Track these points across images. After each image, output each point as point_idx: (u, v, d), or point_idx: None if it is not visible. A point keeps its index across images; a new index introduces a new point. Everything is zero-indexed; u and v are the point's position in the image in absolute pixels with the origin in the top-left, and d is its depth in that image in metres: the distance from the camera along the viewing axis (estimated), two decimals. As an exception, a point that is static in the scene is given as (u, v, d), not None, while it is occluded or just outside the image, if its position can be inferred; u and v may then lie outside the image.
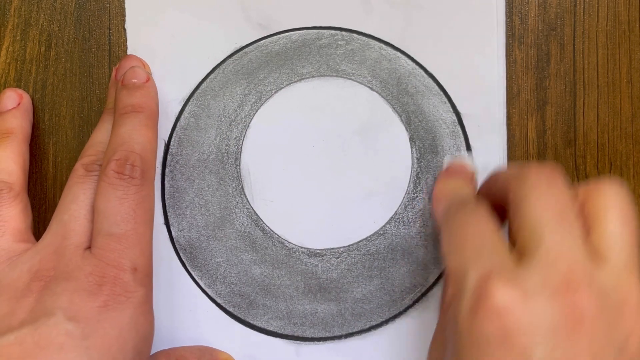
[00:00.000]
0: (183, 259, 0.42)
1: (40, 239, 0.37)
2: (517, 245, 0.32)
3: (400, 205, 0.41)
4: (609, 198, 0.32)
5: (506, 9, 0.42)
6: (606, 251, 0.31)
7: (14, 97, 0.42)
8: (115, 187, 0.36)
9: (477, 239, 0.33)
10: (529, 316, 0.29)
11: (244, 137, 0.42)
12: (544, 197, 0.32)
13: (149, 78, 0.40)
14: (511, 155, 0.42)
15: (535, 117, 0.42)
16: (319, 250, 0.41)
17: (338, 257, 0.41)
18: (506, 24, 0.42)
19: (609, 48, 0.42)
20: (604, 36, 0.42)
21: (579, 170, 0.42)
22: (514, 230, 0.32)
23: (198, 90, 0.42)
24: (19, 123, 0.41)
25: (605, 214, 0.32)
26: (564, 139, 0.42)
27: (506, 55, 0.42)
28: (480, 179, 0.39)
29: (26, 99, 0.42)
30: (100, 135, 0.39)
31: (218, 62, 0.42)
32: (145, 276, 0.36)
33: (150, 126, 0.38)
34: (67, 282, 0.34)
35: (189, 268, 0.42)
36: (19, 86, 0.43)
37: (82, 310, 0.34)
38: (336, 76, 0.42)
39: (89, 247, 0.36)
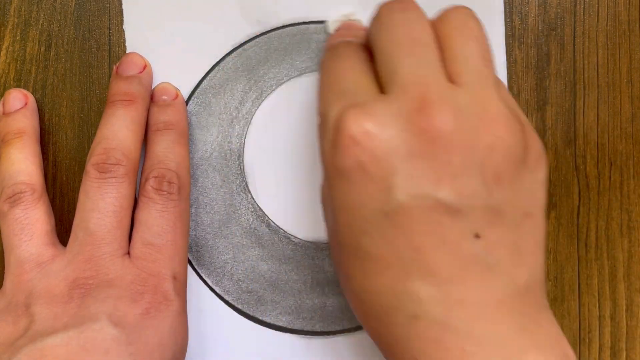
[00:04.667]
0: (190, 258, 0.43)
1: (68, 247, 0.39)
2: (380, 81, 0.34)
3: None
4: (456, 22, 0.34)
5: (506, 9, 0.43)
6: (460, 72, 0.33)
7: (20, 98, 0.43)
8: (155, 202, 0.39)
9: (342, 80, 0.35)
10: (385, 143, 0.31)
11: (246, 133, 0.44)
12: (394, 28, 0.34)
13: (177, 94, 0.43)
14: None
15: (535, 117, 0.43)
16: (326, 243, 0.43)
17: None
18: (506, 24, 0.43)
19: (609, 48, 0.43)
20: (604, 36, 0.43)
21: (579, 170, 0.43)
22: (376, 69, 0.35)
23: (198, 89, 0.44)
24: (29, 123, 0.43)
25: (454, 37, 0.34)
26: (564, 139, 0.43)
27: (506, 55, 0.43)
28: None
29: (31, 98, 0.44)
30: (107, 130, 0.40)
31: (217, 59, 0.44)
32: (182, 286, 0.39)
33: (183, 143, 0.42)
34: (110, 289, 0.37)
35: (195, 267, 0.43)
36: (18, 86, 0.44)
37: (126, 316, 0.36)
38: None
39: (123, 255, 0.39)
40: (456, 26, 0.34)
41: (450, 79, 0.33)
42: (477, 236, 0.31)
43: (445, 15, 0.35)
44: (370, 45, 0.36)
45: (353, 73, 0.35)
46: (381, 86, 0.34)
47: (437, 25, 0.35)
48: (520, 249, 0.32)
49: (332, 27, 0.43)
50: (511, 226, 0.32)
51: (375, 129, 0.31)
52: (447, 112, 0.31)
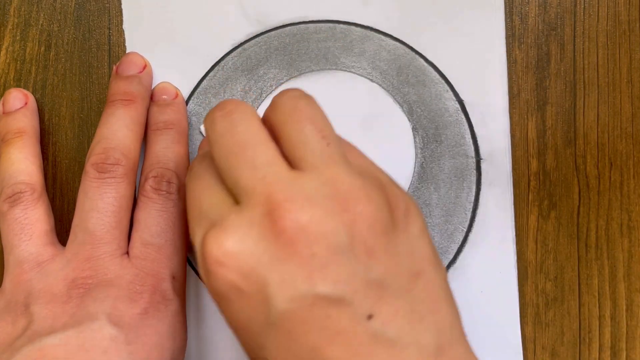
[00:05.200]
0: (189, 258, 0.43)
1: (67, 247, 0.39)
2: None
3: None
4: (285, 107, 0.33)
5: (506, 9, 0.43)
6: (302, 157, 0.32)
7: (20, 97, 0.43)
8: (154, 201, 0.40)
9: (198, 203, 0.34)
10: (248, 257, 0.30)
11: (246, 133, 0.44)
12: (220, 139, 0.33)
13: (177, 94, 0.43)
14: (511, 155, 0.43)
15: (536, 117, 0.43)
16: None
17: None
18: (506, 24, 0.43)
19: (609, 48, 0.43)
20: (604, 36, 0.43)
21: (579, 171, 0.43)
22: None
23: (199, 89, 0.44)
24: (29, 122, 0.43)
25: (287, 124, 0.33)
26: (564, 139, 0.43)
27: (506, 55, 0.43)
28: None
29: (31, 98, 0.44)
30: (106, 130, 0.40)
31: (217, 59, 0.44)
32: (181, 286, 0.40)
33: (182, 143, 0.42)
34: (109, 289, 0.37)
35: (195, 266, 0.43)
36: (18, 86, 0.44)
37: (125, 316, 0.36)
38: (336, 69, 0.44)
39: (122, 254, 0.39)
40: (286, 112, 0.33)
41: (294, 166, 0.32)
42: (370, 317, 0.30)
43: (273, 104, 0.34)
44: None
45: (207, 192, 0.34)
46: (233, 196, 0.33)
47: (269, 117, 0.34)
48: (419, 312, 0.30)
49: (203, 130, 0.43)
50: (401, 293, 0.30)
51: (234, 246, 0.30)
52: (296, 209, 0.30)
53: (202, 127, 0.43)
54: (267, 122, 0.34)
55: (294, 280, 0.30)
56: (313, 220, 0.30)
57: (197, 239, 0.33)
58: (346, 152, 0.33)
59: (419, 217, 0.33)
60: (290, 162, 0.32)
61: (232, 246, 0.30)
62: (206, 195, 0.34)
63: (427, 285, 0.31)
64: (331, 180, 0.31)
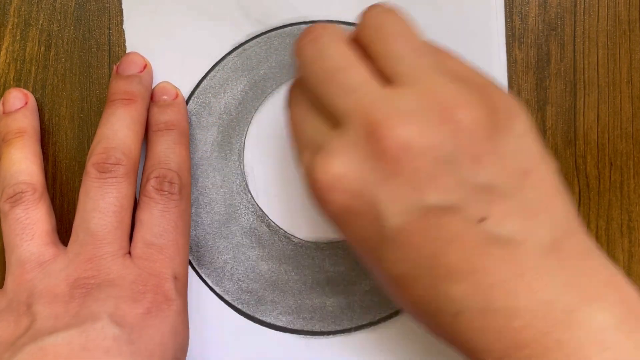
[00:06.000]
0: (190, 258, 0.44)
1: (69, 247, 0.39)
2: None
3: None
4: (373, 23, 0.34)
5: (506, 9, 0.43)
6: (396, 73, 0.32)
7: (20, 97, 0.43)
8: (156, 202, 0.40)
9: (299, 130, 0.35)
10: (355, 178, 0.31)
11: (246, 133, 0.44)
12: (310, 67, 0.34)
13: (177, 94, 0.43)
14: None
15: (536, 117, 0.43)
16: (326, 243, 0.43)
17: (345, 250, 0.43)
18: (506, 24, 0.43)
19: (609, 48, 0.43)
20: (604, 36, 0.43)
21: (579, 170, 0.43)
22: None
23: (199, 89, 0.44)
24: (30, 122, 0.43)
25: (377, 41, 0.33)
26: (564, 139, 0.43)
27: (506, 55, 0.43)
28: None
29: (32, 98, 0.44)
30: (107, 129, 0.40)
31: (218, 59, 0.44)
32: (183, 285, 0.40)
33: (183, 143, 0.42)
34: (111, 289, 0.37)
35: (196, 267, 0.44)
36: (18, 86, 0.44)
37: (127, 316, 0.37)
38: None
39: (124, 255, 0.39)
40: (373, 29, 0.34)
41: (390, 82, 0.33)
42: (481, 220, 0.31)
43: (361, 23, 0.35)
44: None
45: (307, 118, 0.35)
46: (330, 120, 0.34)
47: (358, 35, 0.34)
48: (531, 209, 0.31)
49: None
50: (512, 193, 0.31)
51: (341, 168, 0.31)
52: (396, 126, 0.31)
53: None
54: (357, 41, 0.34)
55: (402, 195, 0.31)
56: (414, 135, 0.30)
57: (302, 166, 0.34)
58: (441, 60, 0.34)
59: (522, 115, 0.33)
60: (385, 79, 0.33)
61: (339, 169, 0.31)
62: (307, 121, 0.35)
63: (538, 182, 0.32)
64: (427, 92, 0.32)
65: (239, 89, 0.44)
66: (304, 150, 0.34)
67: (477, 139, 0.31)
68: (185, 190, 0.41)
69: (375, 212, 0.31)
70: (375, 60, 0.33)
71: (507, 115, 0.32)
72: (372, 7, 0.34)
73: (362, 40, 0.34)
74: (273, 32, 0.44)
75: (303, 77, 0.35)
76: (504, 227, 0.31)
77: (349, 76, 0.33)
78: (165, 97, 0.43)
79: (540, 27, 0.43)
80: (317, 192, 0.32)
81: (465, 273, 0.31)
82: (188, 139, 0.43)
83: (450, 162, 0.30)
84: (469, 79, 0.33)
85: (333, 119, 0.33)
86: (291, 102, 0.36)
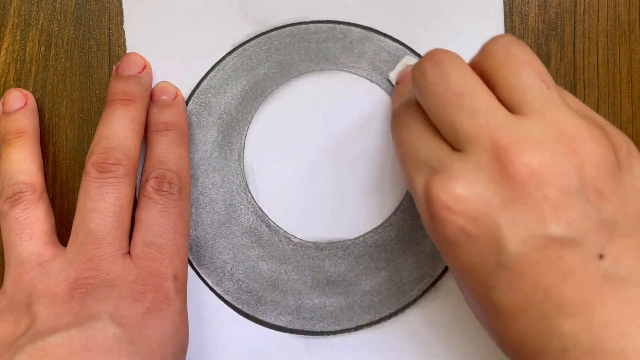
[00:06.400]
0: (190, 258, 0.44)
1: (68, 247, 0.39)
2: (446, 139, 0.34)
3: (405, 195, 0.43)
4: (500, 52, 0.34)
5: (506, 9, 0.43)
6: (523, 102, 0.32)
7: (20, 97, 0.43)
8: (155, 202, 0.40)
9: (414, 150, 0.35)
10: (478, 202, 0.31)
11: (246, 133, 0.44)
12: (434, 89, 0.33)
13: (177, 93, 0.43)
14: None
15: None
16: (326, 244, 0.43)
17: (345, 250, 0.43)
18: (506, 24, 0.43)
19: (609, 48, 0.43)
20: (604, 36, 0.43)
21: None
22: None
23: (199, 89, 0.44)
24: (29, 122, 0.43)
25: (504, 69, 0.33)
26: None
27: None
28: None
29: (31, 98, 0.44)
30: (106, 129, 0.41)
31: (218, 59, 0.44)
32: (183, 285, 0.40)
33: (182, 144, 0.42)
34: (111, 289, 0.37)
35: (195, 266, 0.44)
36: (18, 86, 0.44)
37: (128, 315, 0.37)
38: (336, 70, 0.44)
39: (124, 254, 0.39)
40: (500, 58, 0.34)
41: (514, 110, 0.33)
42: (600, 256, 0.30)
43: (486, 51, 0.34)
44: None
45: (421, 139, 0.34)
46: (449, 142, 0.33)
47: (481, 63, 0.34)
48: None
49: (393, 78, 0.43)
50: (630, 233, 0.31)
51: (463, 191, 0.31)
52: (525, 152, 0.31)
53: (391, 75, 0.43)
54: (477, 69, 0.34)
55: (526, 222, 0.30)
56: (544, 163, 0.31)
57: (418, 185, 0.34)
58: (564, 94, 0.34)
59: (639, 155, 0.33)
60: (508, 107, 0.33)
61: (461, 191, 0.31)
62: (421, 142, 0.34)
63: None
64: (555, 123, 0.32)
65: (239, 89, 0.44)
66: (418, 170, 0.34)
67: (602, 174, 0.31)
68: (185, 190, 0.41)
69: (495, 237, 0.31)
70: (498, 88, 0.33)
71: (627, 155, 0.33)
72: (497, 37, 0.35)
73: (484, 68, 0.34)
74: (273, 32, 0.44)
75: (414, 99, 0.35)
76: (621, 266, 0.30)
77: (475, 100, 0.33)
78: (164, 97, 0.43)
79: (540, 27, 0.43)
80: (436, 212, 0.32)
81: (579, 309, 0.30)
82: (187, 139, 0.43)
83: (575, 195, 0.30)
84: (589, 116, 0.33)
85: (454, 141, 0.33)
86: (401, 123, 0.36)
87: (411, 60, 0.43)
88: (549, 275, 0.30)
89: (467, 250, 0.32)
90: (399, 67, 0.43)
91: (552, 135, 0.31)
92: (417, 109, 0.36)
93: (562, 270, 0.30)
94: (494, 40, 0.34)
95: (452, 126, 0.33)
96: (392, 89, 0.43)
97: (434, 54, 0.34)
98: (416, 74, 0.35)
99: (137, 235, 0.40)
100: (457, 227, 0.32)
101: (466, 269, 0.33)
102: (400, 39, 0.44)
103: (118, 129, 0.40)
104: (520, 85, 0.33)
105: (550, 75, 0.34)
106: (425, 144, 0.34)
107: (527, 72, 0.33)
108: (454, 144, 0.33)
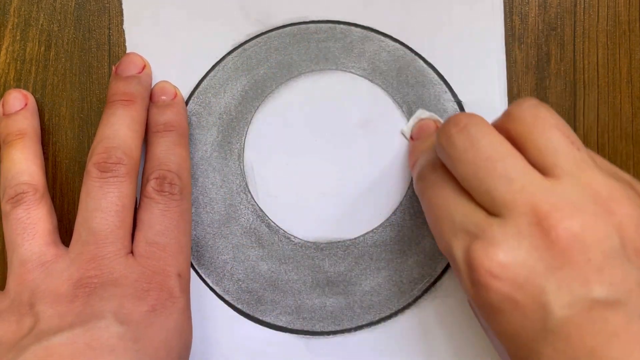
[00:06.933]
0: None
1: (71, 247, 0.39)
2: (480, 204, 0.34)
3: (405, 196, 0.43)
4: (527, 116, 0.34)
5: (506, 9, 0.43)
6: (555, 164, 0.33)
7: (20, 98, 0.43)
8: (156, 202, 0.40)
9: (448, 214, 0.35)
10: (522, 268, 0.31)
11: (246, 133, 0.44)
12: (463, 155, 0.34)
13: (176, 93, 0.43)
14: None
15: None
16: (326, 244, 0.44)
17: (345, 250, 0.43)
18: (506, 24, 0.43)
19: (609, 48, 0.43)
20: (604, 36, 0.43)
21: None
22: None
23: (199, 89, 0.44)
24: (30, 123, 0.43)
25: (533, 133, 0.33)
26: None
27: (506, 55, 0.43)
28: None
29: (31, 99, 0.44)
30: (107, 129, 0.41)
31: (218, 59, 0.44)
32: (187, 284, 0.40)
33: (183, 144, 0.42)
34: (115, 288, 0.37)
35: (195, 266, 0.44)
36: (18, 86, 0.44)
37: (132, 314, 0.37)
38: (336, 69, 0.44)
39: (126, 254, 0.39)
40: (529, 121, 0.34)
41: (546, 173, 0.33)
42: None
43: (509, 116, 0.34)
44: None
45: (455, 204, 0.34)
46: (483, 207, 0.34)
47: (508, 126, 0.34)
48: None
49: (407, 132, 0.43)
50: None
51: (507, 257, 0.31)
52: (566, 217, 0.31)
53: (405, 129, 0.43)
54: (503, 131, 0.34)
55: (571, 286, 0.31)
56: (585, 227, 0.31)
57: (457, 251, 0.34)
58: (591, 155, 0.34)
59: None
60: (540, 170, 0.33)
61: (504, 258, 0.31)
62: (455, 207, 0.34)
63: None
64: (589, 185, 0.32)
65: (239, 89, 0.44)
66: (455, 235, 0.34)
67: (639, 234, 0.31)
68: (186, 190, 0.41)
69: (541, 303, 0.31)
70: (528, 151, 0.33)
71: None
72: (522, 101, 0.35)
73: (512, 131, 0.34)
74: (273, 32, 0.44)
75: (449, 165, 0.35)
76: None
77: (508, 165, 0.33)
78: (164, 97, 0.43)
79: (540, 27, 0.44)
80: (479, 279, 0.32)
81: None
82: (187, 139, 0.43)
83: (617, 256, 0.31)
84: (619, 176, 0.34)
85: (490, 206, 0.33)
86: (430, 185, 0.36)
87: (424, 113, 0.43)
88: (594, 337, 0.30)
89: (513, 316, 0.32)
90: (412, 122, 0.43)
91: (589, 197, 0.32)
92: (445, 171, 0.36)
93: (607, 331, 0.30)
94: (519, 104, 0.34)
95: (487, 192, 0.33)
96: (408, 143, 0.43)
97: (459, 119, 0.34)
98: (443, 141, 0.35)
99: (139, 234, 0.40)
100: (502, 293, 0.32)
101: (511, 334, 0.33)
102: (400, 39, 0.44)
103: (119, 129, 0.40)
104: (551, 148, 0.33)
105: (579, 139, 0.34)
106: (460, 209, 0.34)
107: (556, 135, 0.33)
108: (489, 209, 0.33)
